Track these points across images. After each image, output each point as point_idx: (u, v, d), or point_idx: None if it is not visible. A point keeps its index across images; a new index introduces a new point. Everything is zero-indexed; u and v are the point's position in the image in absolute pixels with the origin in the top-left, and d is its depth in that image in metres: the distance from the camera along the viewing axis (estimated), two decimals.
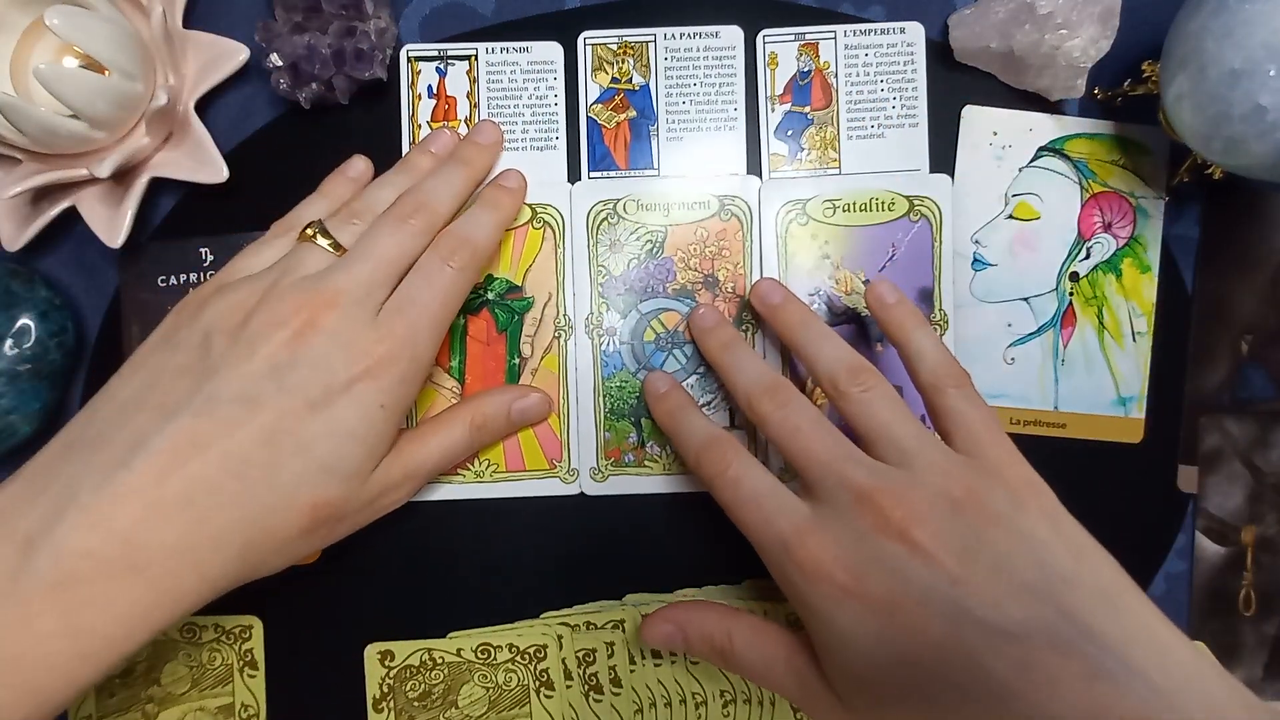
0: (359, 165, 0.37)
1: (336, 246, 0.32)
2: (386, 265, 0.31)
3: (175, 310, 0.32)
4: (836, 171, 0.38)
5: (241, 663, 0.37)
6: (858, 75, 0.38)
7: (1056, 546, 0.27)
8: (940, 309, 0.37)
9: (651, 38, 0.38)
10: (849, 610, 0.27)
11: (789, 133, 0.38)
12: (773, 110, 0.38)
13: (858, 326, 0.37)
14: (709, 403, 0.37)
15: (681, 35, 0.38)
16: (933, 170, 0.38)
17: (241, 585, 0.29)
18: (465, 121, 0.38)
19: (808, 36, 0.38)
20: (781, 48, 0.38)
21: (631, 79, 0.38)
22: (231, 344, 0.29)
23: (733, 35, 0.38)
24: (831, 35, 0.38)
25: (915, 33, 0.38)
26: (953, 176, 0.38)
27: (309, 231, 0.32)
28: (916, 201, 0.37)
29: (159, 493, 0.27)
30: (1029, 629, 0.25)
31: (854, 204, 0.38)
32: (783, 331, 0.34)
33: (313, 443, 0.29)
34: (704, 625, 0.32)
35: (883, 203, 0.37)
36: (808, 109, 0.38)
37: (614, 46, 0.38)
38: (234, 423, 0.28)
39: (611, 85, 0.38)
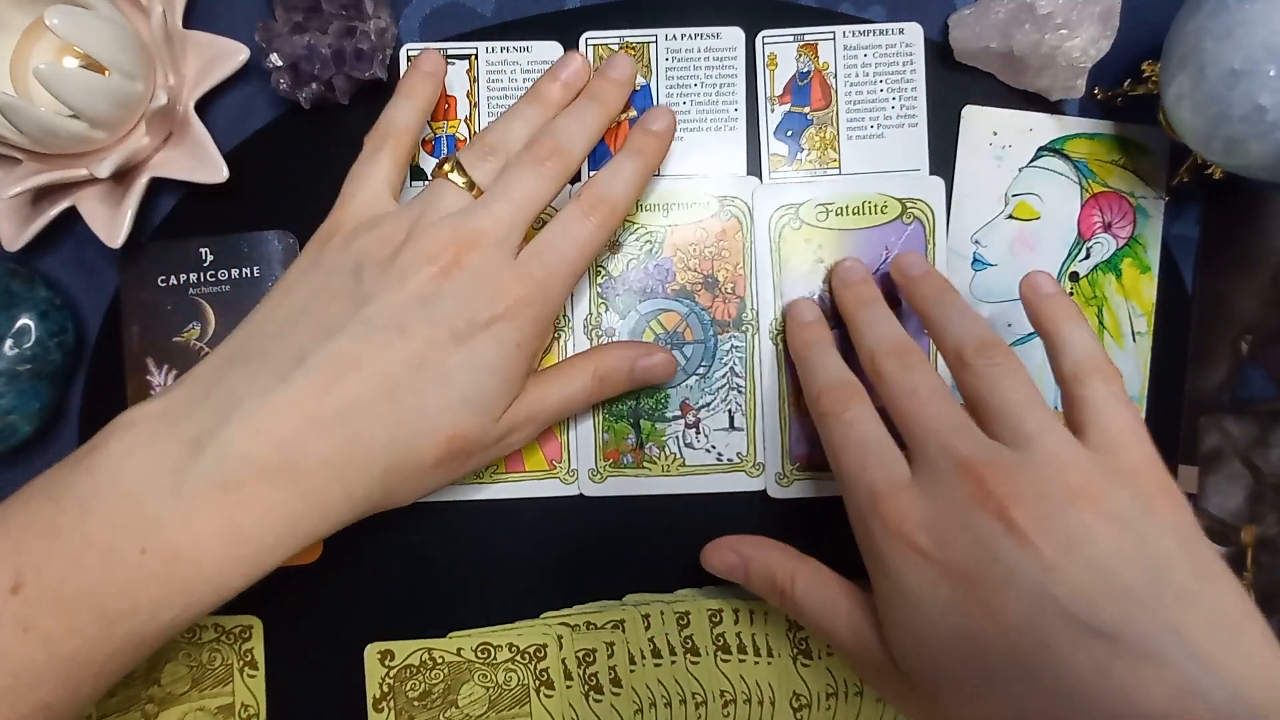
0: (435, 61, 0.36)
1: (471, 185, 0.32)
2: (524, 207, 0.32)
3: (319, 239, 0.33)
4: (836, 172, 0.38)
5: (241, 663, 0.37)
6: (857, 76, 0.38)
7: (1180, 562, 0.25)
8: None
9: (653, 39, 0.38)
10: (924, 574, 0.26)
11: (789, 133, 0.38)
12: (772, 111, 0.38)
13: None
14: (708, 403, 0.37)
15: (682, 36, 0.38)
16: (933, 171, 0.38)
17: (375, 513, 0.31)
18: (465, 121, 0.38)
19: (807, 37, 0.38)
20: (780, 48, 0.38)
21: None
22: (382, 274, 0.30)
23: (734, 36, 0.38)
24: (830, 36, 0.38)
25: (914, 33, 0.38)
26: (953, 176, 0.38)
27: (445, 167, 0.33)
28: (909, 204, 0.37)
29: (317, 407, 0.28)
30: (1122, 632, 0.23)
31: (847, 207, 0.38)
32: (918, 303, 0.34)
33: (455, 373, 0.30)
34: (768, 562, 0.32)
35: (875, 206, 0.37)
36: (807, 109, 0.38)
37: (615, 47, 0.38)
38: (387, 347, 0.29)
39: None
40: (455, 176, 0.33)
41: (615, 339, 0.37)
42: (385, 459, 0.29)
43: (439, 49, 0.38)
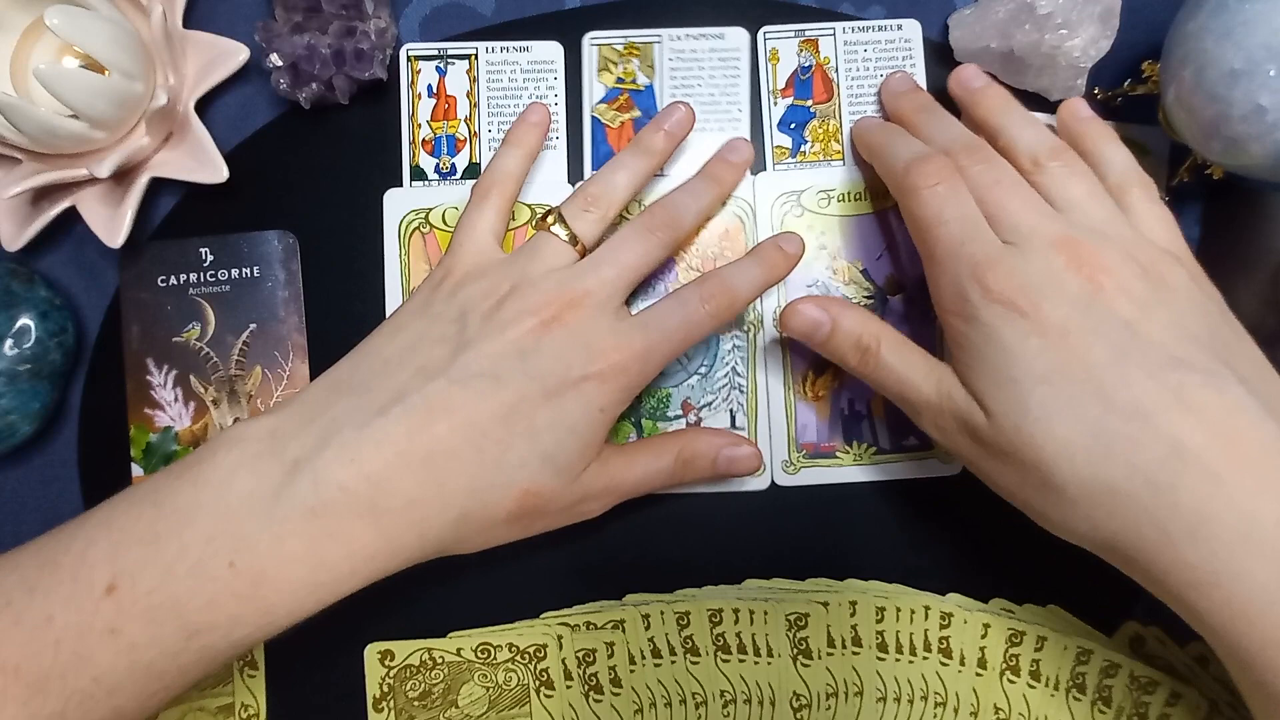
0: (539, 112, 0.37)
1: (574, 239, 0.33)
2: (630, 273, 0.32)
3: (430, 284, 0.33)
4: (840, 163, 0.38)
5: (241, 663, 0.37)
6: (858, 70, 0.38)
7: (1225, 321, 0.30)
8: None
9: (657, 39, 0.38)
10: (1018, 328, 0.29)
11: (792, 125, 0.38)
12: (775, 104, 0.38)
13: None
14: (710, 403, 0.37)
15: (686, 36, 0.38)
16: None
17: (442, 556, 0.31)
18: (465, 121, 0.38)
19: (808, 33, 0.38)
20: (782, 44, 0.38)
21: (636, 79, 0.38)
22: (485, 323, 0.31)
23: (738, 36, 0.38)
24: (830, 32, 0.38)
25: (912, 30, 0.38)
26: None
27: (549, 220, 0.33)
28: None
29: (409, 445, 0.29)
30: (1191, 363, 0.27)
31: (849, 193, 0.38)
32: (983, 114, 0.35)
33: (540, 430, 0.30)
34: (854, 322, 0.33)
35: (878, 191, 0.38)
36: (809, 102, 0.38)
37: (619, 47, 0.38)
38: (480, 395, 0.30)
39: (616, 85, 0.38)
40: (558, 229, 0.33)
41: None
42: (461, 506, 0.30)
43: (438, 49, 0.38)
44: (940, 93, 0.37)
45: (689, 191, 0.35)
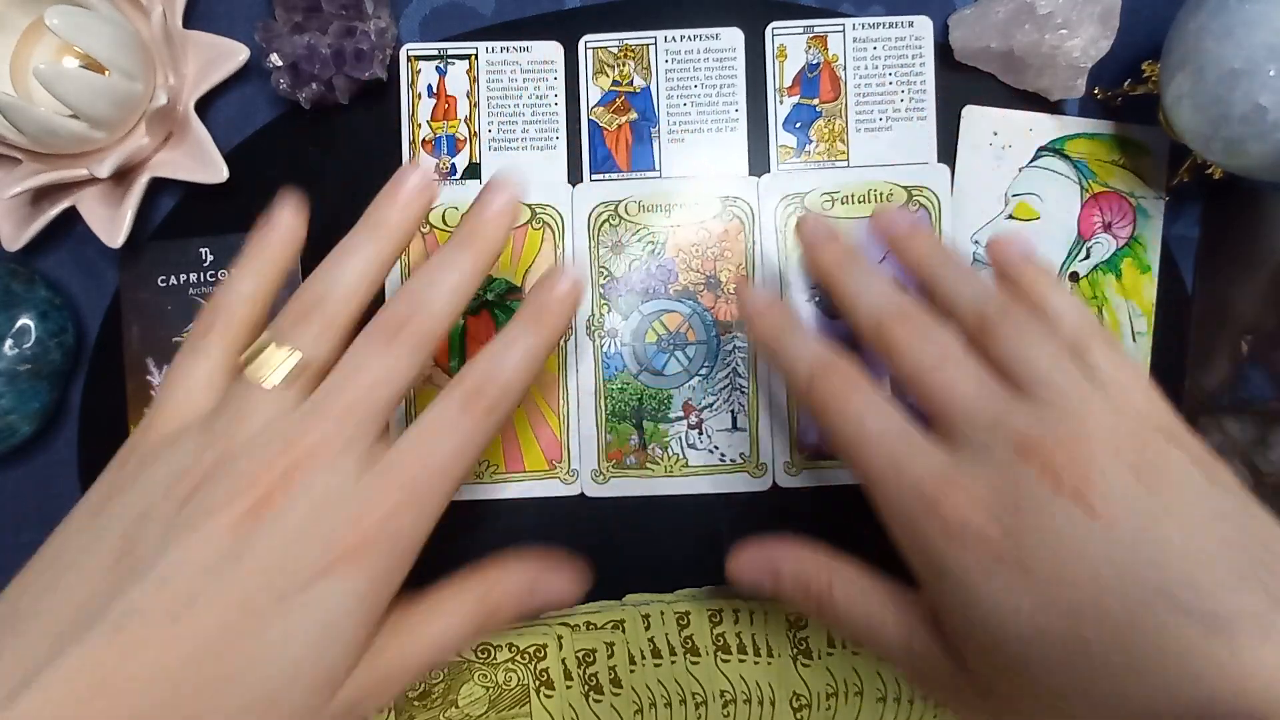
0: (286, 218, 0.29)
1: (299, 369, 0.25)
2: (370, 404, 0.25)
3: (117, 462, 0.25)
4: (845, 164, 0.38)
5: None
6: (866, 68, 0.38)
7: (1248, 523, 0.23)
8: None
9: (652, 40, 0.38)
10: (1000, 578, 0.23)
11: (797, 125, 0.38)
12: (780, 102, 0.38)
13: None
14: (711, 404, 0.37)
15: (682, 37, 0.38)
16: None
17: None
18: (465, 121, 0.38)
19: (816, 29, 0.38)
20: (790, 40, 0.38)
21: (632, 81, 0.38)
22: (169, 529, 0.23)
23: (733, 37, 0.38)
24: (840, 29, 0.38)
25: (923, 27, 0.38)
26: (953, 176, 0.38)
27: (251, 353, 0.25)
28: (915, 192, 0.37)
29: None
30: (1224, 606, 0.21)
31: (852, 196, 0.38)
32: (916, 265, 0.30)
33: (261, 660, 0.22)
34: (801, 568, 0.29)
35: (881, 194, 0.38)
36: (816, 101, 0.38)
37: (615, 49, 0.38)
38: (159, 643, 0.21)
39: (612, 88, 0.38)
40: (268, 358, 0.25)
41: (618, 340, 0.37)
42: None
43: (438, 49, 0.38)
44: (942, 90, 0.37)
45: (436, 269, 0.27)
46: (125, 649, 0.21)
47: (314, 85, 0.36)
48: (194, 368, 0.26)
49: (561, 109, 0.38)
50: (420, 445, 0.25)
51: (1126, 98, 0.37)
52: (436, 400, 0.26)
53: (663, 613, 0.37)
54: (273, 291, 0.28)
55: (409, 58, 0.38)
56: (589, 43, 0.38)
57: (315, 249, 0.38)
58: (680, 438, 0.37)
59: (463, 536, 0.38)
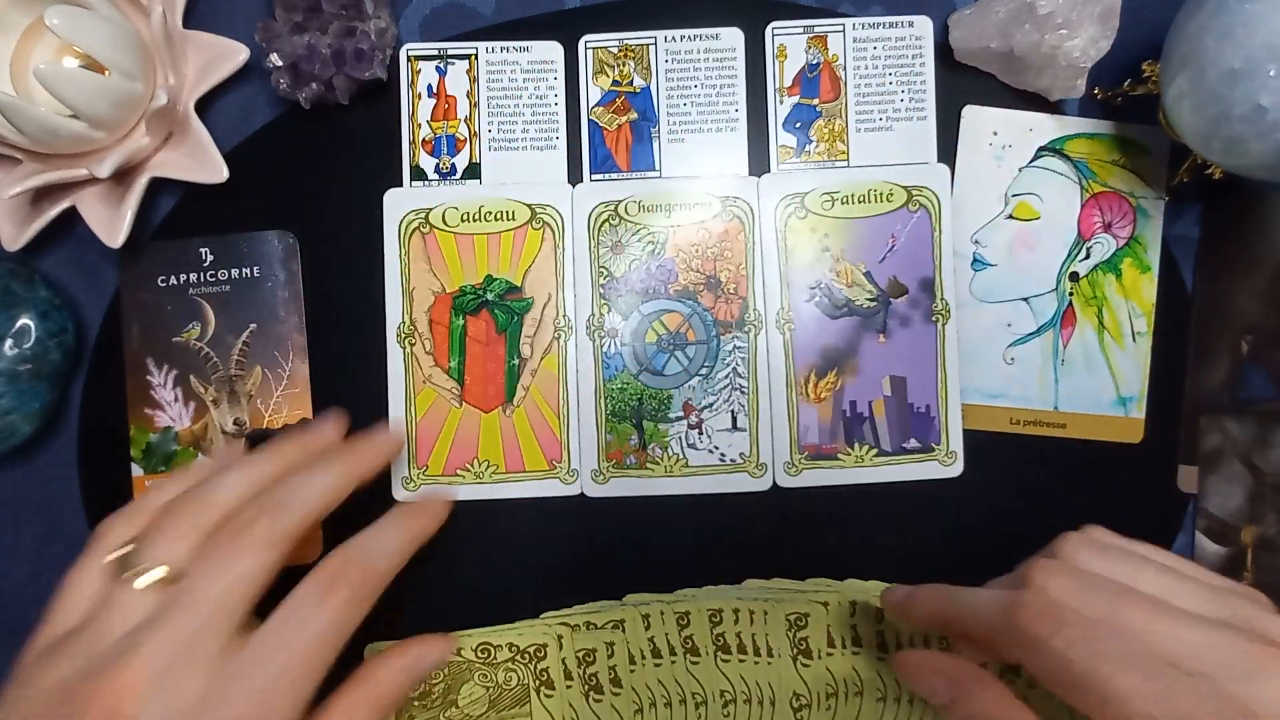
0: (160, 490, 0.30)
1: (169, 577, 0.26)
2: (218, 606, 0.25)
3: (21, 662, 0.26)
4: (845, 164, 0.38)
5: None
6: (866, 68, 0.38)
7: None
8: (942, 298, 0.37)
9: (652, 40, 0.38)
10: None
11: (797, 125, 0.38)
12: (780, 102, 0.38)
13: (859, 318, 0.38)
14: (711, 404, 0.37)
15: (681, 37, 0.38)
16: None
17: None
18: (465, 121, 0.38)
19: (816, 29, 0.38)
20: (790, 40, 0.38)
21: (632, 81, 0.38)
22: None
23: (733, 36, 0.38)
24: (840, 29, 0.38)
25: (923, 26, 0.38)
26: (953, 176, 0.38)
27: (113, 567, 0.26)
28: (915, 191, 0.37)
29: None
30: None
31: (852, 195, 0.38)
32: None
33: None
34: (984, 708, 0.28)
35: (881, 194, 0.38)
36: (816, 101, 0.38)
37: (614, 50, 0.38)
38: None
39: (612, 88, 0.38)
40: (128, 576, 0.26)
41: (618, 340, 0.37)
42: None
43: (438, 49, 0.38)
44: (942, 90, 0.38)
45: (307, 470, 0.29)
46: None
47: (314, 85, 0.36)
48: (86, 563, 0.27)
49: (561, 109, 0.38)
50: (277, 640, 0.26)
51: (1126, 98, 0.37)
52: (296, 591, 0.27)
53: (663, 613, 0.37)
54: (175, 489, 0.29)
55: (409, 58, 0.38)
56: (589, 43, 0.38)
57: (316, 249, 0.38)
58: (680, 438, 0.37)
59: (465, 536, 0.38)
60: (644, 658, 0.37)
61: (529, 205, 0.38)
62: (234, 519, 0.27)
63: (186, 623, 0.25)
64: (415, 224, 0.38)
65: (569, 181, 0.38)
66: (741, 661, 0.37)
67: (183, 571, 0.26)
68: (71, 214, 0.36)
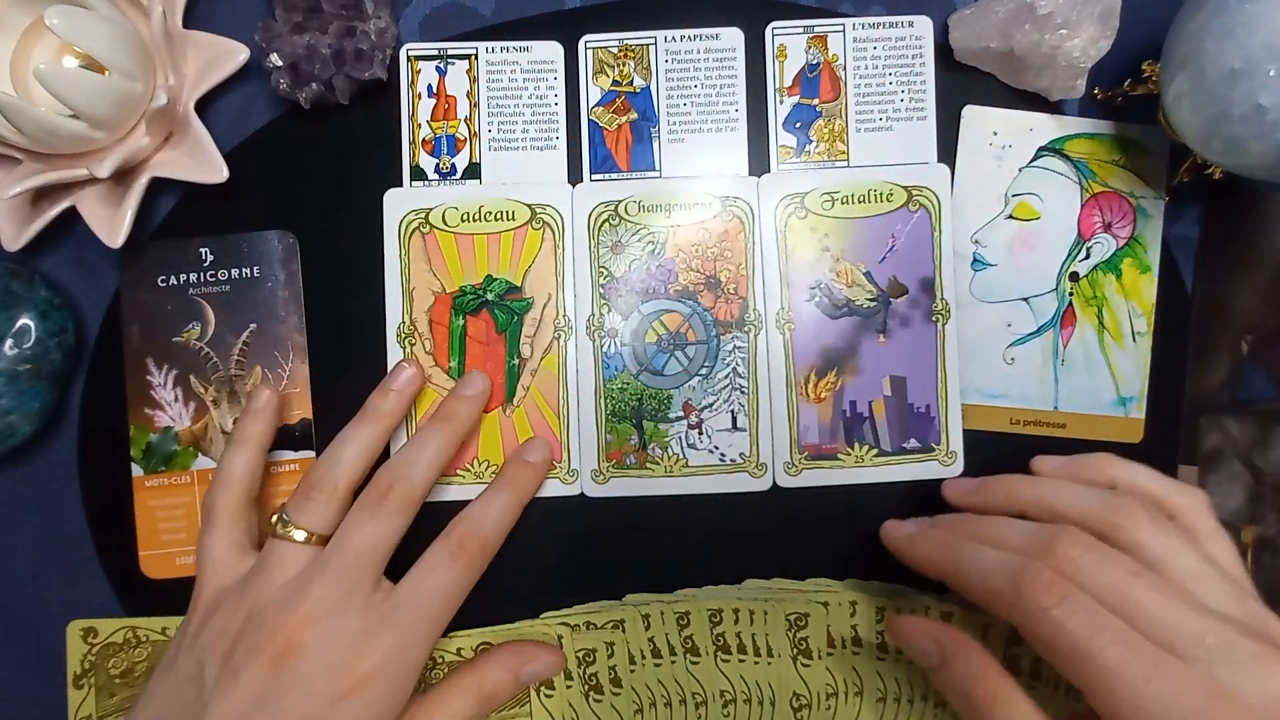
0: (264, 397, 0.35)
1: (308, 535, 0.32)
2: (365, 559, 0.31)
3: (182, 627, 0.32)
4: (845, 164, 0.38)
5: None
6: (866, 68, 0.38)
7: None
8: (942, 298, 0.37)
9: (652, 40, 0.38)
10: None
11: (797, 125, 0.38)
12: (780, 102, 0.38)
13: (859, 318, 0.38)
14: (711, 404, 0.37)
15: (681, 37, 0.38)
16: None
17: None
18: (465, 121, 0.38)
19: (816, 29, 0.38)
20: (790, 39, 0.38)
21: (632, 81, 0.38)
22: (220, 673, 0.29)
23: (733, 37, 0.38)
24: (840, 29, 0.38)
25: (924, 26, 0.38)
26: (953, 176, 0.38)
27: (273, 522, 0.32)
28: (915, 191, 0.37)
29: None
30: None
31: (852, 195, 0.38)
32: (1016, 496, 0.32)
33: None
34: (969, 668, 0.29)
35: (881, 194, 0.38)
36: (816, 101, 0.38)
37: (614, 49, 0.38)
38: None
39: (612, 88, 0.38)
40: (285, 532, 0.32)
41: (618, 340, 0.37)
42: None
43: (438, 49, 0.38)
44: (942, 90, 0.38)
45: (414, 445, 0.34)
46: None
47: (314, 85, 0.36)
48: (212, 545, 0.33)
49: (561, 109, 0.38)
50: (414, 590, 0.31)
51: (1126, 98, 0.37)
52: (429, 550, 0.32)
53: (663, 613, 0.37)
54: (260, 460, 0.35)
55: (409, 58, 0.38)
56: (589, 43, 0.38)
57: (316, 249, 0.38)
58: (680, 438, 0.37)
59: None
60: (644, 658, 0.37)
61: (529, 205, 0.38)
62: (372, 488, 0.32)
63: (344, 572, 0.30)
64: (415, 224, 0.38)
65: (569, 181, 0.38)
66: (741, 661, 0.37)
67: (324, 535, 0.32)
68: (71, 214, 0.36)
